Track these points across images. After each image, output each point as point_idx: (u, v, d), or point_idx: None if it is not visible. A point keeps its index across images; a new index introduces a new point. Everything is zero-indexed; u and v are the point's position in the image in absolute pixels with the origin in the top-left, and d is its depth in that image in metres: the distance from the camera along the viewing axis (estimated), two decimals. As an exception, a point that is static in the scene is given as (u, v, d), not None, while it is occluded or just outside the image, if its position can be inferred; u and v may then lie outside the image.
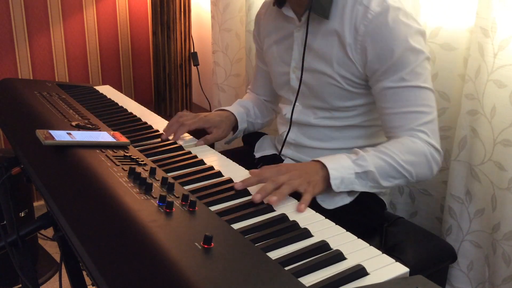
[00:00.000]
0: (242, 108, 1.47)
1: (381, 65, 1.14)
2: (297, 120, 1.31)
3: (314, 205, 1.02)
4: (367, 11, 1.13)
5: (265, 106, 1.54)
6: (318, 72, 1.23)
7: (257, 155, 1.44)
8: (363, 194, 1.28)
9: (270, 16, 1.38)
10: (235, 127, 1.44)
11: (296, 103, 1.31)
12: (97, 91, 1.68)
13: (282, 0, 1.28)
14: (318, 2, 1.18)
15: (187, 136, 1.30)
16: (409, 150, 1.12)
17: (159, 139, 1.25)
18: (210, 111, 2.41)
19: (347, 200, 1.14)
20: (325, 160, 1.08)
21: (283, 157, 1.38)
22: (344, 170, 1.07)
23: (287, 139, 1.34)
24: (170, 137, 1.26)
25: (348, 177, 1.07)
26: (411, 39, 1.12)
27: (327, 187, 1.06)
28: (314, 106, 1.28)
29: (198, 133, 1.33)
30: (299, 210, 0.92)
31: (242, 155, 1.45)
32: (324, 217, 0.89)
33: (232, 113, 1.42)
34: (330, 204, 1.12)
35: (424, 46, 1.15)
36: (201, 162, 1.11)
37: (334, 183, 1.05)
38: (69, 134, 1.11)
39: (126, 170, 0.96)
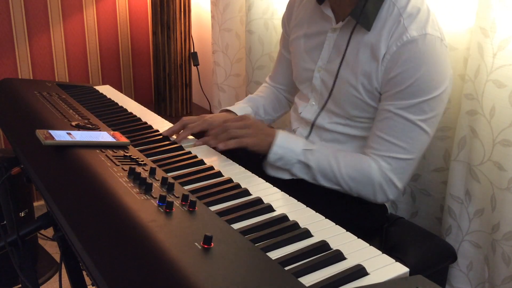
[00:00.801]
0: (251, 107, 1.45)
1: (395, 87, 1.13)
2: (311, 120, 1.31)
3: (307, 192, 1.05)
4: (404, 32, 1.11)
5: (278, 100, 1.51)
6: (343, 79, 1.22)
7: None
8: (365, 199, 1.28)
9: (306, 7, 1.35)
10: None
11: (313, 103, 1.31)
12: (97, 91, 1.68)
13: None
14: (364, 11, 1.15)
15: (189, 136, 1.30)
16: (359, 169, 1.16)
17: (160, 137, 1.24)
18: (210, 111, 2.42)
19: (286, 176, 1.22)
20: (281, 134, 1.18)
21: None
22: (289, 152, 1.18)
23: (298, 134, 1.34)
24: (174, 137, 1.25)
25: (289, 159, 1.18)
26: (435, 73, 1.11)
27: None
28: (330, 110, 1.28)
29: (202, 135, 1.32)
30: (218, 147, 1.12)
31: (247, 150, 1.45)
32: (324, 217, 0.89)
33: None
34: (272, 171, 1.23)
35: (446, 84, 1.13)
36: (201, 162, 1.11)
37: (272, 156, 1.18)
38: (69, 134, 1.11)
39: (126, 170, 0.96)
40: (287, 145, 1.18)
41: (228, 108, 1.43)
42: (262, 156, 1.42)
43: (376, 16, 1.16)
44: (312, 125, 1.31)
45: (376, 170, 1.15)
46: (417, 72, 1.10)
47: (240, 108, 1.43)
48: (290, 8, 1.42)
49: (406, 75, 1.11)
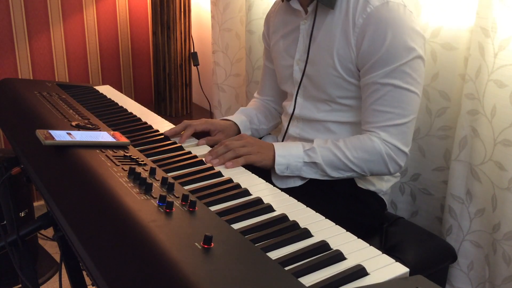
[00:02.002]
0: (245, 116, 1.48)
1: (371, 57, 1.16)
2: (301, 115, 1.34)
3: (304, 193, 1.05)
4: (367, 5, 1.16)
5: (269, 111, 1.55)
6: (320, 63, 1.25)
7: None
8: (362, 194, 1.29)
9: (279, 12, 1.41)
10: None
11: (297, 97, 1.33)
12: (97, 91, 1.68)
13: None
14: None
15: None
16: (363, 148, 1.18)
17: (160, 137, 1.24)
18: (210, 111, 2.42)
19: (298, 183, 1.24)
20: (277, 145, 1.19)
21: None
22: (292, 158, 1.19)
23: (291, 133, 1.36)
24: (178, 141, 1.25)
25: (295, 164, 1.19)
26: (405, 35, 1.14)
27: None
28: (314, 97, 1.30)
29: (203, 136, 1.33)
30: (226, 166, 1.10)
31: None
32: (324, 217, 0.89)
33: (235, 123, 1.43)
34: (282, 184, 1.23)
35: (419, 45, 1.16)
36: (201, 162, 1.11)
37: (278, 168, 1.19)
38: (69, 134, 1.11)
39: (126, 170, 0.96)
40: (288, 152, 1.19)
41: (226, 118, 1.46)
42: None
43: None
44: (291, 117, 1.34)
45: (379, 143, 1.17)
46: (386, 37, 1.13)
47: (236, 117, 1.46)
48: (267, 22, 1.48)
49: (378, 43, 1.14)
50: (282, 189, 1.00)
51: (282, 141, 1.37)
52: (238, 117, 1.46)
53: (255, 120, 1.50)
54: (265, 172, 1.20)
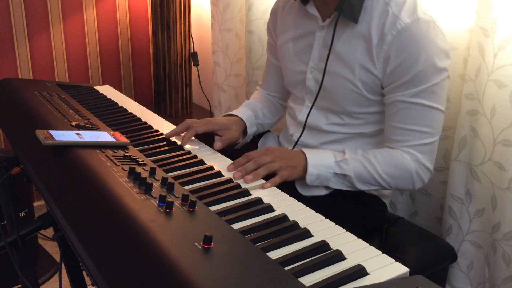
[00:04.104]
0: (251, 111, 1.44)
1: (400, 77, 1.13)
2: (308, 123, 1.30)
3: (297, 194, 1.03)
4: (397, 20, 1.12)
5: (274, 105, 1.51)
6: (338, 75, 1.21)
7: None
8: (364, 196, 1.28)
9: (291, 11, 1.35)
10: (244, 131, 1.40)
11: (309, 104, 1.30)
12: (97, 91, 1.68)
13: None
14: (349, 5, 1.15)
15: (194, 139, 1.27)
16: (395, 164, 1.16)
17: (160, 137, 1.24)
18: (210, 111, 2.42)
19: (323, 192, 1.22)
20: (309, 154, 1.16)
21: None
22: (323, 168, 1.15)
23: (294, 138, 1.33)
24: (178, 142, 1.22)
25: (326, 175, 1.16)
26: (436, 56, 1.12)
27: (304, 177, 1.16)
28: (326, 108, 1.27)
29: (206, 138, 1.30)
30: (262, 187, 1.03)
31: (245, 152, 1.46)
32: (324, 217, 0.89)
33: (241, 118, 1.39)
34: (306, 192, 1.21)
35: (447, 64, 1.15)
36: (201, 162, 1.11)
37: (309, 178, 1.15)
38: (69, 134, 1.11)
39: (126, 170, 0.96)
40: (320, 162, 1.15)
41: (231, 112, 1.42)
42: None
43: (362, 7, 1.16)
44: (304, 125, 1.29)
45: (410, 161, 1.16)
46: (417, 58, 1.11)
47: (242, 111, 1.42)
48: (274, 15, 1.42)
49: (408, 64, 1.12)
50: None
51: (293, 149, 1.32)
52: (244, 112, 1.41)
53: (260, 114, 1.46)
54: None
